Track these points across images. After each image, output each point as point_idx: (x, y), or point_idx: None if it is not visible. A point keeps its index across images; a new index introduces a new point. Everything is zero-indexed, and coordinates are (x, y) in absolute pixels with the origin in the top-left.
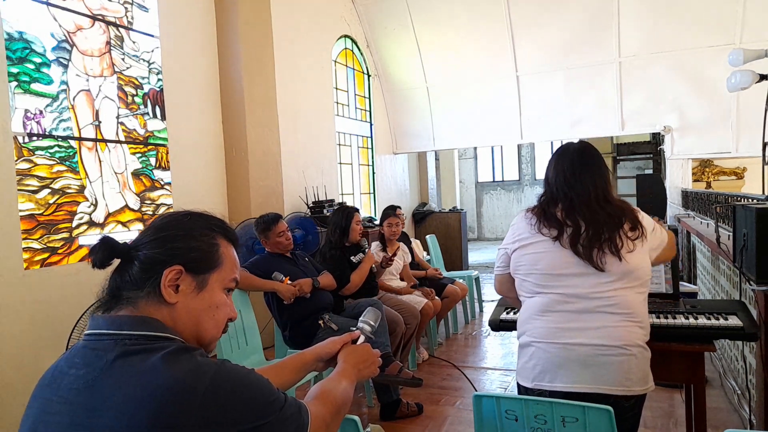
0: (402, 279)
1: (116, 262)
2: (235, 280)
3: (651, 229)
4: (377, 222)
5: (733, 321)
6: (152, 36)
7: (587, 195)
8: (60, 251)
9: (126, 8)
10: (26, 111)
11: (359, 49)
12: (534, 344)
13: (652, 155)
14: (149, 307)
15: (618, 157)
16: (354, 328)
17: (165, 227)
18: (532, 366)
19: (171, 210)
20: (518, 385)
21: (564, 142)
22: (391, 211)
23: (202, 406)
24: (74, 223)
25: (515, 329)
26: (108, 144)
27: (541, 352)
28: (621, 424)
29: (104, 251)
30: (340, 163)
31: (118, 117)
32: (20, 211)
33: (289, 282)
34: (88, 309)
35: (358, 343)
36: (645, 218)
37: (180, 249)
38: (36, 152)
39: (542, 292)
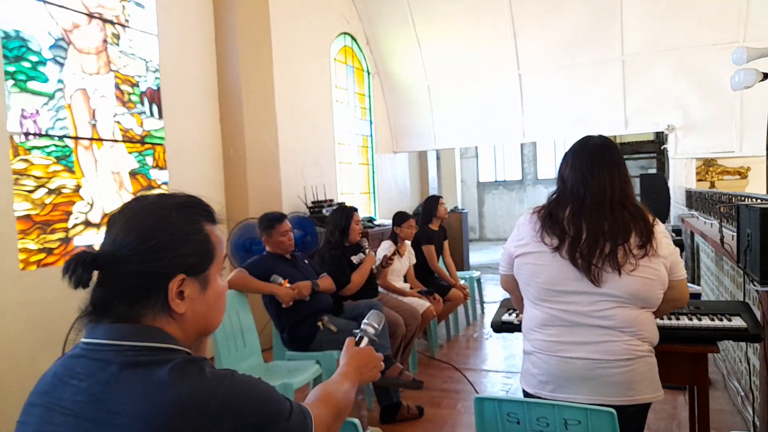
0: (406, 281)
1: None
2: (225, 256)
3: (669, 252)
4: (377, 222)
5: (737, 322)
6: (149, 33)
7: (602, 196)
8: (56, 252)
9: (123, 6)
10: (22, 110)
11: (359, 47)
12: (536, 354)
13: (655, 154)
14: (155, 320)
15: None
16: (357, 331)
17: (152, 233)
18: (534, 374)
19: (141, 197)
20: (522, 388)
21: (565, 140)
22: (410, 214)
23: (214, 423)
24: (70, 224)
25: (517, 331)
26: (104, 143)
27: (542, 363)
28: (625, 428)
29: (84, 267)
30: (340, 163)
31: (114, 116)
32: (16, 211)
33: (288, 285)
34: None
35: (362, 345)
36: (663, 239)
37: (178, 257)
38: (32, 151)
39: (541, 305)
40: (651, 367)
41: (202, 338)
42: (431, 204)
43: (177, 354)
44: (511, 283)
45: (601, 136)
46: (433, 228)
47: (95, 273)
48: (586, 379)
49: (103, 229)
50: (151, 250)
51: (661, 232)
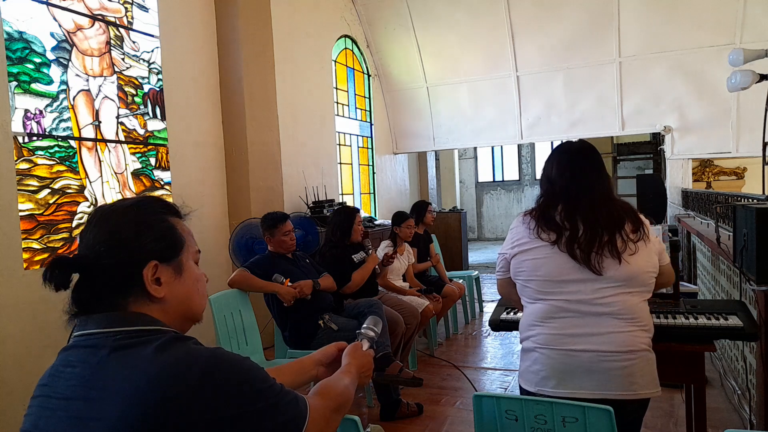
0: (405, 280)
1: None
2: (198, 251)
3: (655, 238)
4: (377, 222)
5: (734, 321)
6: (152, 36)
7: (592, 192)
8: (60, 251)
9: (126, 8)
10: (26, 111)
11: (359, 49)
12: (537, 350)
13: (652, 155)
14: (138, 307)
15: (618, 157)
16: (358, 332)
17: (119, 227)
18: (535, 371)
19: (104, 205)
20: (521, 388)
21: (562, 141)
22: (409, 214)
23: (196, 390)
24: (74, 223)
25: (516, 329)
26: (108, 144)
27: (544, 358)
28: (623, 425)
29: (61, 271)
30: (340, 163)
31: (117, 117)
32: (20, 211)
33: (289, 284)
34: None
35: (363, 349)
36: (647, 225)
37: (147, 244)
38: (36, 152)
39: (543, 299)
40: (651, 363)
41: (189, 324)
42: (419, 209)
43: (164, 334)
44: (506, 287)
45: (581, 141)
46: (418, 232)
47: (74, 275)
48: (589, 372)
49: None
50: (120, 243)
51: (646, 220)
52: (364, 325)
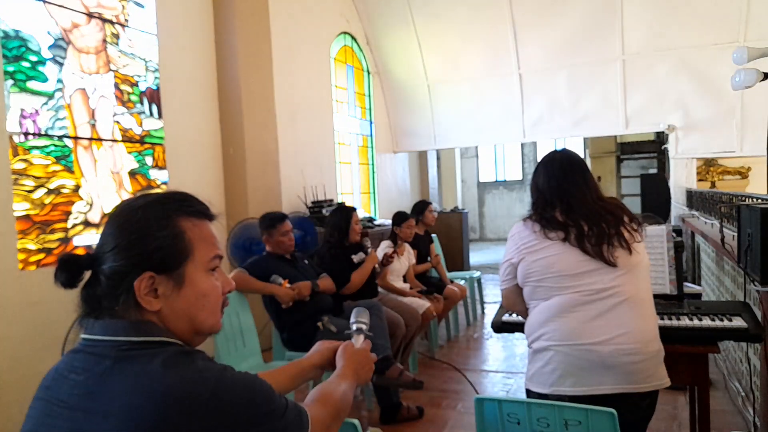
0: (405, 281)
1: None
2: (217, 257)
3: None
4: (377, 222)
5: (738, 322)
6: (149, 33)
7: (582, 194)
8: (55, 252)
9: (122, 5)
10: (22, 110)
11: (359, 46)
12: (552, 348)
13: (656, 154)
14: (142, 315)
15: (622, 156)
16: (349, 332)
17: (120, 231)
18: (550, 371)
19: (128, 198)
20: (529, 392)
21: (565, 141)
22: (409, 215)
23: (204, 414)
24: (70, 224)
25: (518, 331)
26: (104, 143)
27: (561, 356)
28: (637, 422)
29: (68, 270)
30: (340, 162)
31: (114, 115)
32: (16, 211)
33: (287, 285)
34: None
35: (361, 343)
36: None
37: (141, 254)
38: (32, 151)
39: (561, 293)
40: (662, 354)
41: (200, 338)
42: (420, 209)
43: (170, 346)
44: (512, 297)
45: (564, 150)
46: (418, 232)
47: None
48: (608, 367)
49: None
50: (119, 248)
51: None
52: (352, 321)
